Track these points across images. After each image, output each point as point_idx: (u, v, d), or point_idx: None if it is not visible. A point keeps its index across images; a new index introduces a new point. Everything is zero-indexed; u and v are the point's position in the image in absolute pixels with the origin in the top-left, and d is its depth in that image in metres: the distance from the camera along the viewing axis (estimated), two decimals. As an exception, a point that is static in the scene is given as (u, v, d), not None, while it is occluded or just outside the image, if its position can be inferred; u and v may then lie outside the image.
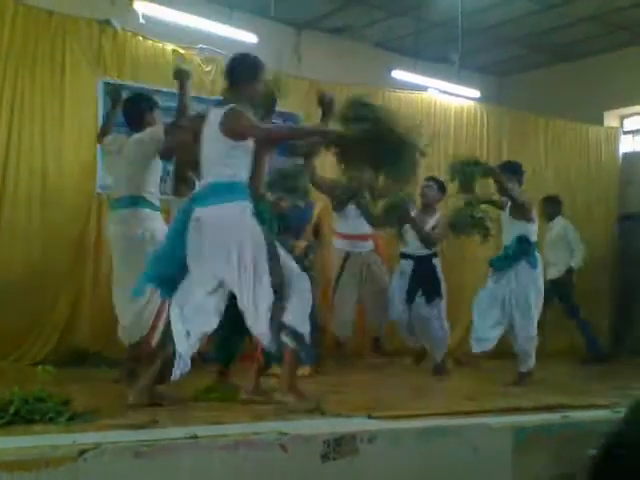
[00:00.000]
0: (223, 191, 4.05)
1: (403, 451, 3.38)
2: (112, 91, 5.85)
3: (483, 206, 6.24)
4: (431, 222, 6.80)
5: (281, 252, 4.12)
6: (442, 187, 6.91)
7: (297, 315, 4.00)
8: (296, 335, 3.98)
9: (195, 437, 2.90)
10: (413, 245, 6.76)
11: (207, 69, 7.40)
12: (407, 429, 3.52)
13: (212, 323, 4.02)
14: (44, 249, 6.43)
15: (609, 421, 3.82)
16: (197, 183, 6.14)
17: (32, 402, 3.34)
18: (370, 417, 3.70)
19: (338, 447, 3.13)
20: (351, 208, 6.71)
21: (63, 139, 6.61)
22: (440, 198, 6.95)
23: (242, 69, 4.21)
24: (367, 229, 6.79)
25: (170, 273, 4.14)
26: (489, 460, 3.64)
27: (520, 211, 6.10)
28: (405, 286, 6.77)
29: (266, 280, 3.94)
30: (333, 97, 4.55)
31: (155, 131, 5.14)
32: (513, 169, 6.31)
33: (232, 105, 4.06)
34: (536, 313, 6.13)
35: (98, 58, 6.80)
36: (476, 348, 6.17)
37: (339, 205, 6.78)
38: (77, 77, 6.68)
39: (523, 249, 6.08)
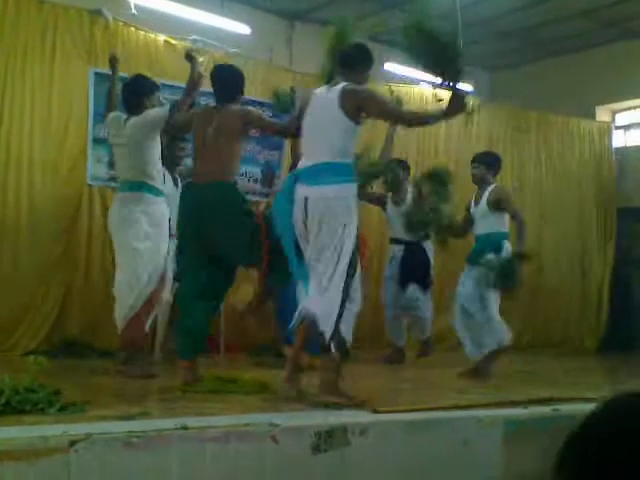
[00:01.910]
0: (335, 171, 4.06)
1: (394, 443, 3.39)
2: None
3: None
4: (403, 206, 6.90)
5: None
6: (405, 168, 7.07)
7: (347, 322, 4.02)
8: (341, 341, 4.00)
9: (185, 428, 2.90)
10: (402, 230, 6.80)
11: (200, 60, 7.34)
12: (398, 422, 3.52)
13: None
14: (34, 240, 6.40)
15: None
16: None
17: (23, 392, 3.32)
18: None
19: (329, 439, 3.13)
20: None
21: (53, 130, 6.58)
22: (405, 178, 7.03)
23: (359, 55, 4.30)
24: None
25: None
26: (479, 453, 3.64)
27: (499, 206, 5.96)
28: (397, 272, 6.86)
29: (343, 271, 3.94)
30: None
31: (151, 113, 5.12)
32: (488, 161, 6.20)
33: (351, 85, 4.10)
34: (492, 301, 5.89)
35: (89, 48, 6.77)
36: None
37: None
38: (68, 67, 6.65)
39: (498, 245, 5.88)
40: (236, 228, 4.51)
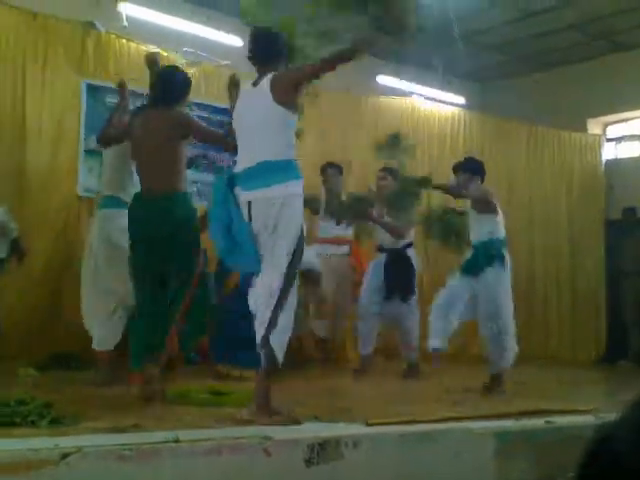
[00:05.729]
0: (277, 170, 3.82)
1: (387, 456, 3.38)
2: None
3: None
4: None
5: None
6: (397, 176, 6.81)
7: (280, 334, 3.73)
8: (272, 354, 3.71)
9: (177, 441, 2.88)
10: (386, 238, 6.69)
11: (191, 72, 7.36)
12: (391, 434, 3.52)
13: None
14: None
15: (592, 426, 3.84)
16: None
17: (13, 405, 3.31)
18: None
19: (322, 452, 3.12)
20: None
21: (44, 141, 6.55)
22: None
23: (269, 49, 4.07)
24: (337, 233, 6.96)
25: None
26: (471, 465, 3.64)
27: (482, 204, 5.92)
28: (378, 278, 6.72)
29: (280, 275, 3.73)
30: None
31: None
32: (473, 168, 6.14)
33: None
34: (507, 313, 5.81)
35: (81, 60, 6.77)
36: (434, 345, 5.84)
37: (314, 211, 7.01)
38: (60, 78, 6.64)
39: (495, 253, 5.82)
40: (179, 246, 4.37)
